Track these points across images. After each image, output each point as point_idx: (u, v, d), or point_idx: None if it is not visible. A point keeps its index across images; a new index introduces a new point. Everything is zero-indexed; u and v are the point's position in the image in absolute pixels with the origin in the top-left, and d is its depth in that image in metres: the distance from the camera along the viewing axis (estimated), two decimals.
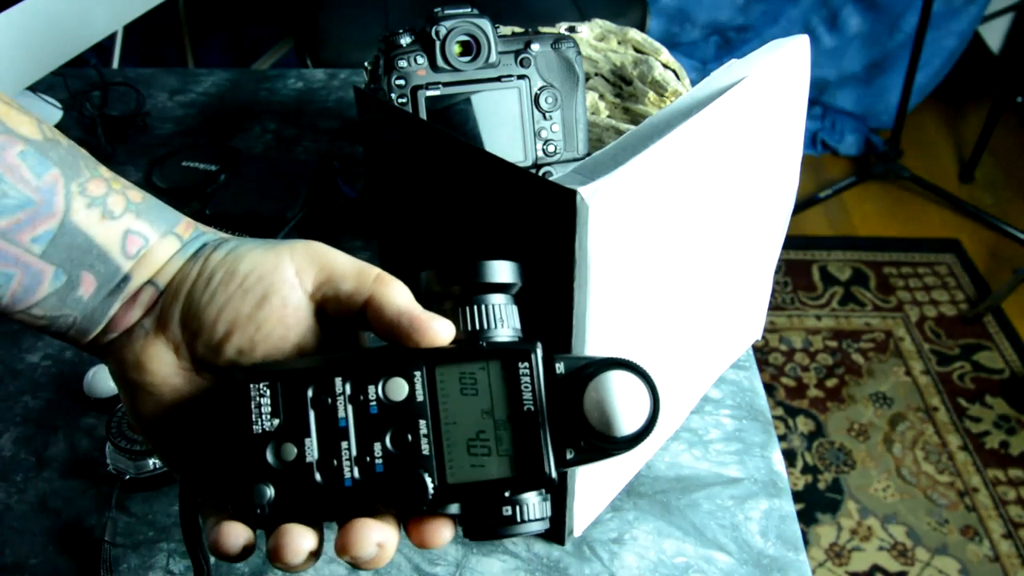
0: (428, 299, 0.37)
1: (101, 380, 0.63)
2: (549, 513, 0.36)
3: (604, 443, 0.34)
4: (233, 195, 0.78)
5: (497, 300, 0.36)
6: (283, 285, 0.36)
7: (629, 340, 0.48)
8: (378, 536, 0.34)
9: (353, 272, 0.36)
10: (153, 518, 0.56)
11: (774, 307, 1.93)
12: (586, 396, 0.34)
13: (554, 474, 0.34)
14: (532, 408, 0.34)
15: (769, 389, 1.75)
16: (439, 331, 0.35)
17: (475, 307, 0.35)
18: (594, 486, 0.53)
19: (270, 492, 0.34)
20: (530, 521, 0.35)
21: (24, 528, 0.56)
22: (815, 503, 1.56)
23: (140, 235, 0.37)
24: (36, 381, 0.65)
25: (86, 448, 0.61)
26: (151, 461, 0.57)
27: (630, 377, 0.34)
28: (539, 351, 0.34)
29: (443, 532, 0.35)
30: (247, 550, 0.34)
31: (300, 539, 0.33)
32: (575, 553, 0.54)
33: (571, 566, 0.54)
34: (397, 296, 0.36)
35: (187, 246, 0.38)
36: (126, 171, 0.88)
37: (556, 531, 0.54)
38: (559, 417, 0.34)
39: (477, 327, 0.35)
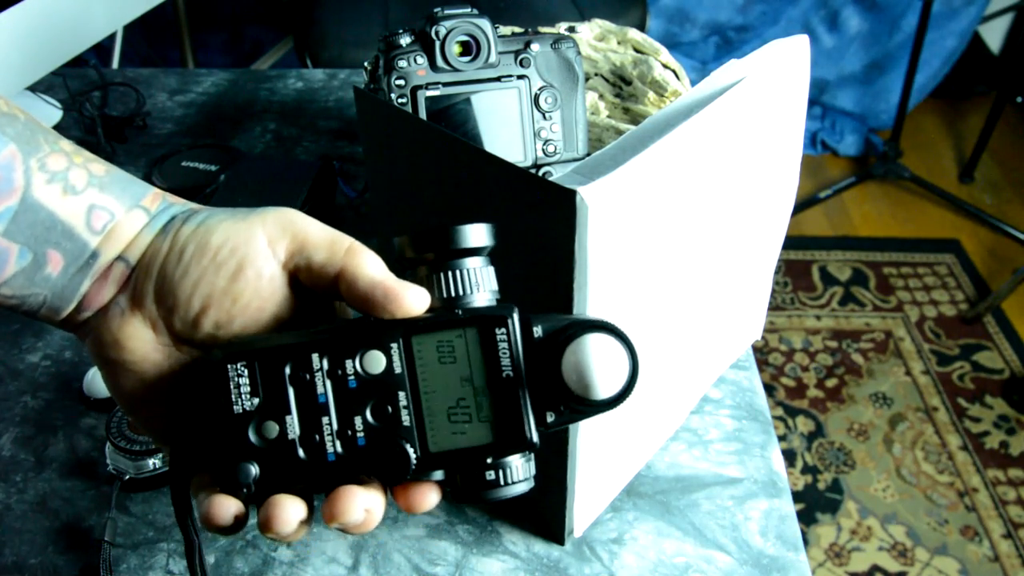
0: (402, 266, 0.36)
1: (101, 380, 0.63)
2: (533, 472, 0.36)
3: (583, 406, 0.34)
4: (233, 195, 0.78)
5: (473, 264, 0.35)
6: (257, 256, 0.35)
7: None
8: (365, 503, 0.34)
9: (325, 242, 0.36)
10: (153, 518, 0.56)
11: (774, 307, 1.93)
12: (564, 360, 0.33)
13: (535, 437, 0.34)
14: (511, 374, 0.34)
15: (769, 389, 1.75)
16: (413, 301, 0.34)
17: (450, 273, 0.35)
18: (594, 486, 0.53)
19: (255, 470, 0.34)
20: (514, 483, 0.35)
21: (24, 528, 0.56)
22: (815, 503, 1.56)
23: (105, 210, 0.36)
24: (36, 381, 0.65)
25: (86, 448, 0.61)
26: (151, 461, 0.57)
27: (608, 339, 0.34)
28: (516, 316, 0.34)
29: (429, 496, 0.35)
30: (239, 521, 0.34)
31: (289, 509, 0.34)
32: (575, 553, 0.54)
33: (571, 566, 0.54)
34: (370, 267, 0.35)
35: (155, 219, 0.37)
36: (126, 171, 0.88)
37: (556, 531, 0.54)
38: (538, 381, 0.34)
39: (453, 294, 0.35)
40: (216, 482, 0.35)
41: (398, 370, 0.34)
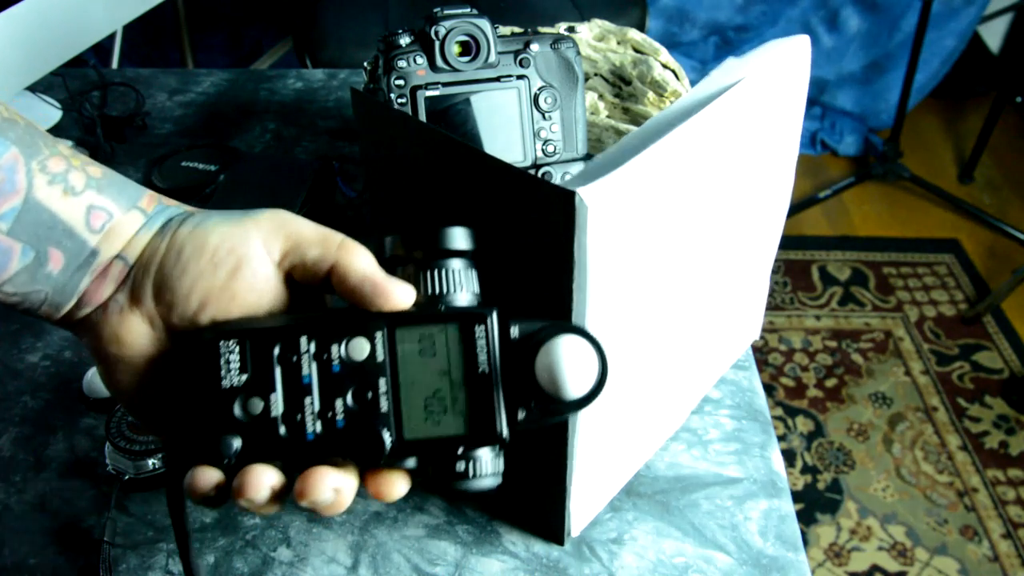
0: (391, 263, 0.38)
1: (100, 380, 0.63)
2: (502, 468, 0.38)
3: (552, 405, 0.36)
4: (232, 195, 0.78)
5: (456, 265, 0.38)
6: (253, 257, 0.37)
7: (627, 342, 0.48)
8: (334, 483, 0.35)
9: (318, 239, 0.38)
10: (152, 518, 0.56)
11: (774, 307, 1.93)
12: (537, 360, 0.35)
13: (505, 433, 0.36)
14: (486, 370, 0.36)
15: (769, 389, 1.75)
16: (400, 296, 0.36)
17: (436, 271, 0.37)
18: (592, 486, 0.53)
19: (237, 444, 0.36)
20: (483, 476, 0.37)
21: (24, 528, 0.56)
22: (814, 503, 1.56)
23: (104, 210, 0.38)
24: (35, 381, 0.65)
25: (85, 448, 0.61)
26: (150, 461, 0.57)
27: (579, 342, 0.35)
28: (494, 316, 0.36)
29: (398, 485, 0.37)
30: (221, 491, 0.36)
31: (262, 476, 0.35)
32: (574, 553, 0.54)
33: (570, 566, 0.54)
34: (361, 262, 0.37)
35: (152, 220, 0.39)
36: (126, 171, 0.88)
37: (555, 531, 0.54)
38: (512, 379, 0.36)
39: (438, 291, 0.37)
40: (200, 456, 0.36)
41: (380, 358, 0.36)
